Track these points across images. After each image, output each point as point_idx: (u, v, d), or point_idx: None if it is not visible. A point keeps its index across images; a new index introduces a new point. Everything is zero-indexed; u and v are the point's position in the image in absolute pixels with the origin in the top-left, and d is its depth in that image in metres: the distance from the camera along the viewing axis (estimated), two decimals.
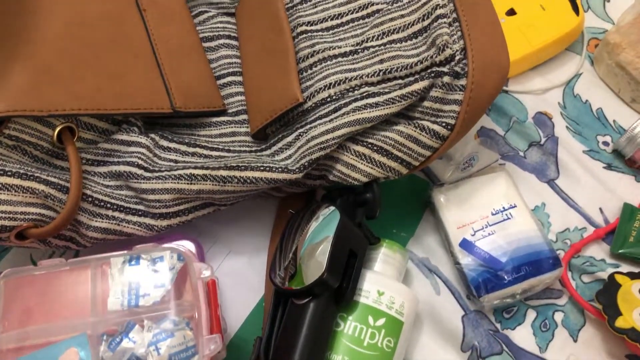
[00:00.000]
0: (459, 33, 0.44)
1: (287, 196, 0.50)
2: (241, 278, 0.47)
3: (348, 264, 0.42)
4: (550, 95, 0.56)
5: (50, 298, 0.36)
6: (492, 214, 0.46)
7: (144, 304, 0.36)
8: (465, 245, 0.46)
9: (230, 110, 0.50)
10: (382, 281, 0.43)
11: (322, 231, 0.43)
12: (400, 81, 0.45)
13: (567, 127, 0.54)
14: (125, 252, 0.38)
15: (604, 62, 0.56)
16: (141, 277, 0.37)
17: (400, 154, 0.44)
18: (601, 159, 0.53)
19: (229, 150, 0.47)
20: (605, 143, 0.54)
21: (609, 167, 0.53)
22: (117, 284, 0.36)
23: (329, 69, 0.46)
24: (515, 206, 0.47)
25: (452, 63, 0.43)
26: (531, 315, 0.46)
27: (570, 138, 0.54)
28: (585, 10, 0.60)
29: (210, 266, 0.38)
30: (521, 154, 0.53)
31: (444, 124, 0.43)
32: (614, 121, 0.54)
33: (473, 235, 0.46)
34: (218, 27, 0.54)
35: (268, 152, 0.47)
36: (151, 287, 0.36)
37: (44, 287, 0.37)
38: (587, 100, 0.56)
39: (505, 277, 0.44)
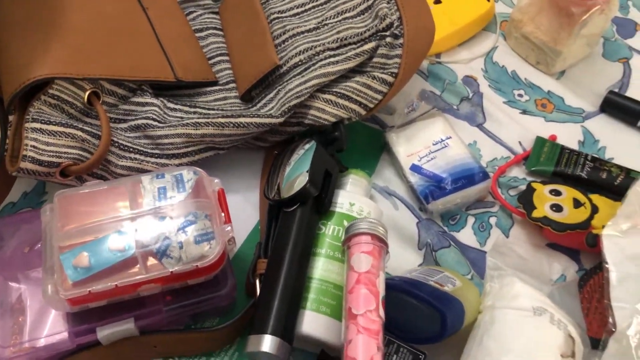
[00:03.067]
0: (395, 7, 0.58)
1: (271, 145, 0.61)
2: (238, 209, 0.58)
3: (325, 182, 0.54)
4: (475, 64, 0.70)
5: (96, 206, 0.46)
6: (433, 144, 0.59)
7: (172, 202, 0.46)
8: (414, 168, 0.58)
9: (221, 82, 0.62)
10: (352, 196, 0.55)
11: (297, 169, 0.54)
12: (354, 46, 0.58)
13: (489, 85, 0.68)
14: (152, 172, 0.49)
15: (512, 36, 0.71)
16: (167, 185, 0.47)
17: (359, 98, 0.57)
18: (517, 107, 0.67)
19: (222, 110, 0.59)
20: (520, 95, 0.68)
21: (524, 112, 0.66)
22: (149, 191, 0.47)
23: (298, 42, 0.59)
24: (450, 137, 0.60)
25: (392, 28, 0.57)
26: (471, 220, 0.58)
27: (492, 93, 0.68)
28: (496, 0, 0.75)
29: (218, 180, 0.50)
30: (455, 107, 0.66)
31: (390, 73, 0.57)
32: (525, 78, 0.69)
33: (419, 160, 0.59)
34: (206, 21, 0.67)
35: (254, 108, 0.59)
36: (175, 191, 0.47)
37: (90, 199, 0.47)
38: (503, 66, 0.70)
39: (447, 187, 0.56)
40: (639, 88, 0.68)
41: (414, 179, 0.58)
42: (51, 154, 0.50)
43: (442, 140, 0.60)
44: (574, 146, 0.64)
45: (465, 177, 0.57)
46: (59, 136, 0.50)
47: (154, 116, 0.56)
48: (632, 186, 0.52)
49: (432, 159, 0.59)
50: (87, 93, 0.54)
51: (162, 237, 0.45)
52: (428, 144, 0.59)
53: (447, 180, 0.57)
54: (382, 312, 0.44)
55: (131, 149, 0.54)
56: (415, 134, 0.61)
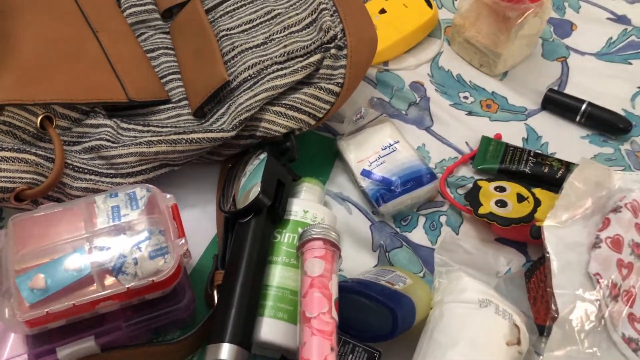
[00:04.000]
0: (338, 19, 0.60)
1: (226, 159, 0.63)
2: (196, 223, 0.59)
3: (278, 191, 0.55)
4: (421, 69, 0.73)
5: (51, 228, 0.47)
6: (382, 149, 0.62)
7: (126, 220, 0.48)
8: (365, 173, 0.60)
9: (173, 100, 0.64)
10: (306, 203, 0.56)
11: (252, 180, 0.56)
12: (300, 59, 0.60)
13: (435, 89, 0.71)
14: (105, 191, 0.50)
15: (456, 41, 0.74)
16: (121, 204, 0.49)
17: (307, 109, 0.59)
18: (464, 109, 0.70)
19: (175, 127, 0.60)
20: (465, 97, 0.71)
21: (469, 113, 0.69)
22: (103, 210, 0.48)
23: (247, 57, 0.61)
24: (398, 142, 0.62)
25: (336, 40, 0.59)
26: (422, 220, 0.61)
27: (438, 97, 0.70)
28: (439, 7, 0.78)
29: (172, 195, 0.51)
30: (403, 112, 0.69)
31: (336, 83, 0.59)
32: (470, 81, 0.72)
33: (369, 165, 0.61)
34: (157, 42, 0.68)
35: (207, 123, 0.61)
36: (129, 209, 0.48)
37: (45, 222, 0.48)
38: (449, 70, 0.73)
39: (396, 190, 0.59)
40: (576, 85, 0.72)
41: (365, 183, 0.60)
42: (4, 179, 0.51)
43: (391, 145, 0.62)
44: (518, 143, 0.67)
45: (414, 179, 0.59)
46: (12, 162, 0.51)
47: (108, 137, 0.57)
48: (567, 178, 0.55)
49: (381, 163, 0.61)
50: (40, 118, 0.55)
51: (117, 255, 0.46)
52: (377, 149, 0.62)
53: (397, 183, 0.59)
54: (335, 314, 0.46)
55: (86, 170, 0.55)
56: (365, 141, 0.63)
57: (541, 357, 0.51)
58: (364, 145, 0.62)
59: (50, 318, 0.44)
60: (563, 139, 0.67)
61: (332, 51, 0.59)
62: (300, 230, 0.54)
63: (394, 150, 0.62)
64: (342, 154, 0.63)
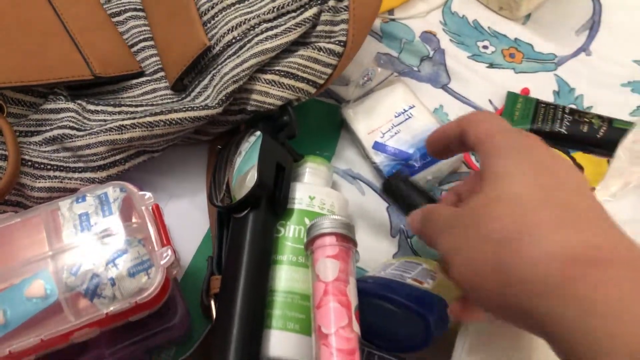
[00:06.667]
0: None
1: (214, 138, 0.54)
2: (186, 218, 0.51)
3: (277, 177, 0.47)
4: (432, 17, 0.63)
5: (7, 247, 0.39)
6: (395, 116, 0.53)
7: (96, 230, 0.39)
8: (378, 146, 0.52)
9: (147, 72, 0.54)
10: (311, 188, 0.48)
11: (248, 161, 0.48)
12: (293, 14, 0.50)
13: (450, 40, 0.61)
14: (71, 195, 0.42)
15: None
16: (90, 210, 0.40)
17: (305, 75, 0.49)
18: (484, 61, 0.60)
19: (152, 105, 0.51)
20: (485, 47, 0.61)
21: (490, 66, 0.60)
22: (69, 219, 0.40)
23: (229, 16, 0.51)
24: (414, 106, 0.53)
25: None
26: None
27: (454, 48, 0.61)
28: None
29: (151, 194, 0.42)
30: (415, 68, 0.60)
31: (337, 42, 0.49)
32: (489, 27, 0.62)
33: (382, 137, 0.52)
34: (124, 3, 0.58)
35: (188, 98, 0.51)
36: (100, 216, 0.40)
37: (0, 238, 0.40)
38: (463, 15, 0.63)
39: (415, 165, 0.50)
40: (611, 27, 0.62)
41: (378, 158, 0.51)
42: None
43: (405, 111, 0.53)
44: (549, 98, 0.58)
45: None
46: None
47: (72, 124, 0.48)
48: (622, 142, 0.47)
49: (395, 133, 0.52)
50: None
51: (89, 275, 0.38)
52: (390, 117, 0.53)
53: (415, 156, 0.51)
54: (356, 327, 0.39)
55: (49, 167, 0.47)
56: (375, 107, 0.54)
57: None
58: (374, 113, 0.54)
59: (15, 357, 0.37)
60: (600, 89, 0.58)
61: (331, 3, 0.49)
62: (307, 221, 0.46)
63: (410, 117, 0.53)
64: (348, 125, 0.54)
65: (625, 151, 0.47)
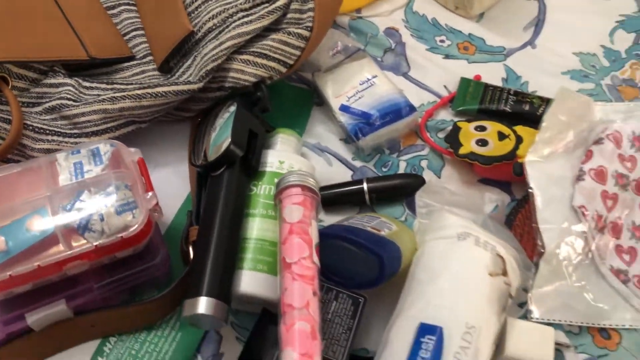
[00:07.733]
0: None
1: (196, 115, 0.60)
2: (168, 183, 0.57)
3: (250, 143, 0.53)
4: (395, 15, 0.70)
5: (11, 189, 0.45)
6: (360, 84, 0.61)
7: (89, 176, 0.45)
8: (343, 108, 0.59)
9: (138, 56, 0.61)
10: (282, 154, 0.54)
11: (223, 134, 0.54)
12: (267, 4, 0.57)
13: (411, 35, 0.69)
14: (67, 149, 0.48)
15: None
16: (84, 160, 0.46)
17: (277, 55, 0.56)
18: (440, 52, 0.67)
19: (141, 84, 0.57)
20: (442, 41, 0.68)
21: (447, 57, 0.67)
22: (65, 168, 0.46)
23: (211, 7, 0.58)
24: (376, 76, 0.61)
25: None
26: (403, 165, 0.59)
27: (414, 42, 0.68)
28: None
29: (137, 149, 0.48)
30: (379, 59, 0.67)
31: (305, 27, 0.56)
32: (446, 24, 0.70)
33: (348, 100, 0.59)
34: None
35: (173, 78, 0.58)
36: (92, 165, 0.46)
37: (4, 183, 0.45)
38: (423, 14, 0.71)
39: (375, 123, 0.57)
40: (554, 24, 0.70)
41: (343, 118, 0.59)
42: None
43: (369, 80, 0.61)
44: (498, 84, 0.65)
45: (393, 112, 0.58)
46: None
47: (69, 96, 0.54)
48: (547, 111, 0.53)
49: (359, 97, 0.59)
50: None
51: (82, 212, 0.43)
52: (355, 85, 0.61)
53: (375, 116, 0.58)
54: (316, 259, 0.44)
55: (48, 131, 0.53)
56: (343, 76, 0.62)
57: (529, 293, 0.50)
58: (341, 81, 0.61)
59: (15, 282, 0.42)
60: (543, 77, 0.65)
61: None
62: (276, 181, 0.52)
63: (372, 85, 0.60)
64: (319, 90, 0.61)
65: (551, 120, 0.53)
